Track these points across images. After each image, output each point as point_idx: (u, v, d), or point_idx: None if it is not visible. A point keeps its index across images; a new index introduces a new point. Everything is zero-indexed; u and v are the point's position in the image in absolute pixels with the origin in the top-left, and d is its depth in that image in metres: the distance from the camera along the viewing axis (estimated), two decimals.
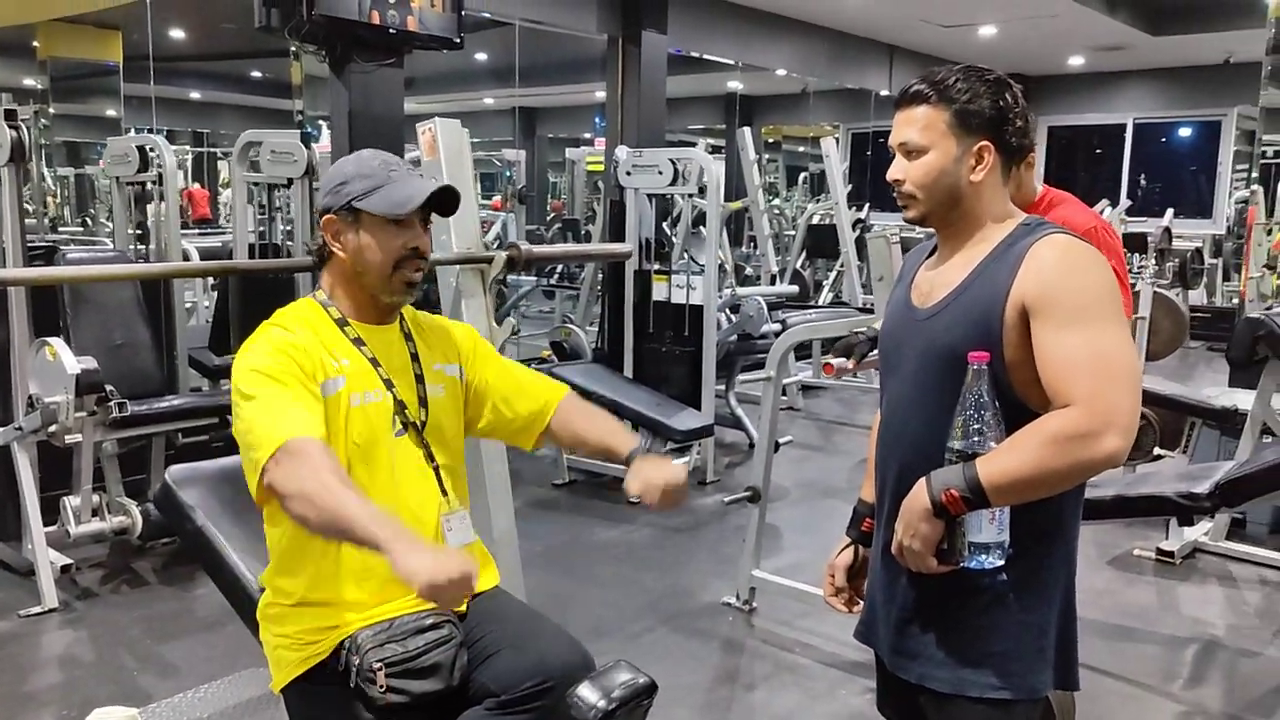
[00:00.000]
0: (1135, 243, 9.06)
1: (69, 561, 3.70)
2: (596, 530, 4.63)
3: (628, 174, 5.34)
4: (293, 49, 6.66)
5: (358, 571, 1.68)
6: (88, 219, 10.12)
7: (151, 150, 4.91)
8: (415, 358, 1.80)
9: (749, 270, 8.10)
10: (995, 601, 1.52)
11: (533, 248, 2.55)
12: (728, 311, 5.82)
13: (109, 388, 3.63)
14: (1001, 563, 1.47)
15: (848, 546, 1.77)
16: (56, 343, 3.55)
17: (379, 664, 1.60)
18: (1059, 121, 12.70)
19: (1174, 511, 3.25)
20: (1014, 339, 1.46)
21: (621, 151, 5.47)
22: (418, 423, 1.77)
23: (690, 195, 5.66)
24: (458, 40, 5.52)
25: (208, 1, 4.78)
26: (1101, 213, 10.16)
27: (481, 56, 10.80)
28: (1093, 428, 1.37)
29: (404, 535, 1.44)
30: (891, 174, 1.60)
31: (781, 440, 5.13)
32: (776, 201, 12.28)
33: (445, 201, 1.79)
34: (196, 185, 11.19)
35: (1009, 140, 1.54)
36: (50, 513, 3.79)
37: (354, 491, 1.49)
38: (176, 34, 11.22)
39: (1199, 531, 4.37)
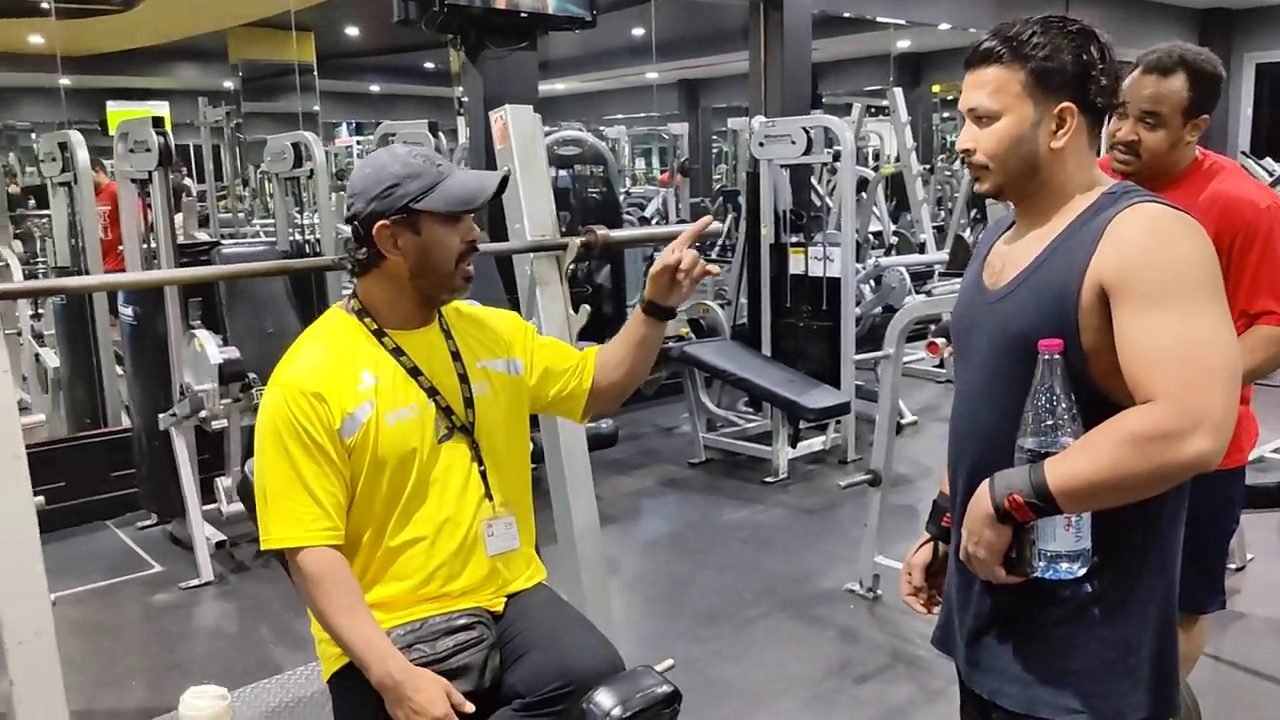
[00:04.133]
0: None
1: (223, 538, 3.97)
2: (725, 510, 4.57)
3: (760, 145, 5.19)
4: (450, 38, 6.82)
5: (393, 572, 1.70)
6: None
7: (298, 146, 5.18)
8: (456, 356, 1.78)
9: (909, 237, 7.75)
10: (1076, 614, 1.37)
11: (609, 232, 2.49)
12: (871, 283, 5.60)
13: (252, 375, 3.86)
14: (1083, 572, 1.32)
15: (926, 543, 1.64)
16: (203, 334, 3.79)
17: None
18: (1269, 58, 11.43)
19: None
20: (1093, 324, 1.30)
21: (755, 122, 5.32)
22: (466, 424, 1.75)
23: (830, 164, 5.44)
24: (590, 19, 5.52)
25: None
26: None
27: (639, 31, 10.80)
28: (1178, 427, 1.19)
29: (388, 672, 1.57)
30: (960, 143, 1.45)
31: (905, 420, 4.90)
32: (957, 165, 11.69)
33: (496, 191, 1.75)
34: None
35: (1093, 100, 1.37)
36: (210, 492, 4.09)
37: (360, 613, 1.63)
38: (353, 31, 11.84)
39: None
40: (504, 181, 1.73)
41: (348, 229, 1.74)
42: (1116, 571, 1.36)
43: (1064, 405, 1.28)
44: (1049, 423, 1.28)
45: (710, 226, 2.08)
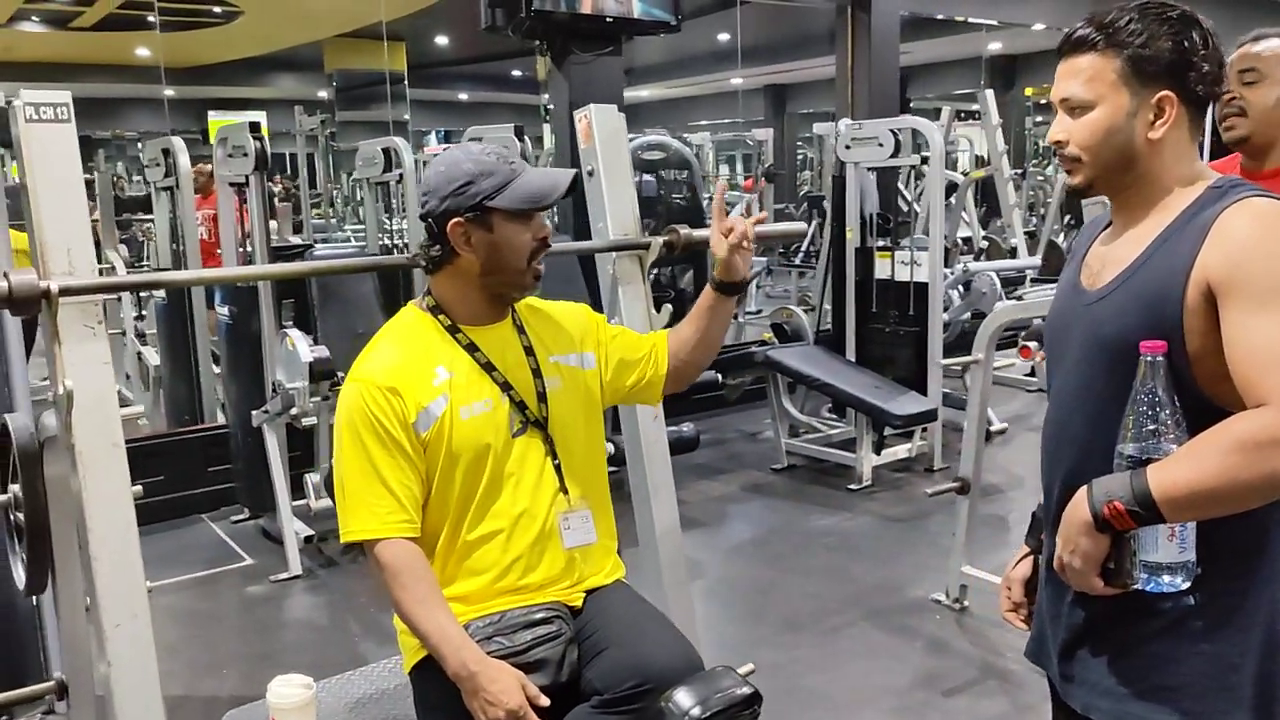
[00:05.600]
0: None
1: (311, 533, 4.06)
2: (811, 517, 4.50)
3: (846, 148, 5.11)
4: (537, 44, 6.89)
5: (471, 565, 1.70)
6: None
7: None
8: (530, 351, 1.78)
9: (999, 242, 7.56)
10: (1174, 627, 1.31)
11: (691, 232, 2.46)
12: (960, 288, 5.47)
13: (341, 374, 3.93)
14: (1186, 585, 1.25)
15: (1025, 556, 1.59)
16: (294, 333, 3.88)
17: None
18: None
19: None
20: (1198, 326, 1.24)
21: (841, 124, 5.25)
22: (540, 419, 1.75)
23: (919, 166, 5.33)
24: (674, 23, 5.51)
25: (468, 8, 5.15)
26: None
27: (724, 37, 10.80)
28: None
29: (463, 663, 1.58)
30: (1052, 135, 1.40)
31: (994, 428, 4.77)
32: (1050, 169, 11.41)
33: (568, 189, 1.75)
34: None
35: (1194, 89, 1.31)
36: (300, 488, 4.18)
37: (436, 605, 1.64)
38: (443, 41, 12.07)
39: None
40: (575, 180, 1.73)
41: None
42: (1220, 583, 1.29)
43: (1167, 410, 1.22)
44: (1151, 428, 1.22)
45: (793, 227, 2.05)
